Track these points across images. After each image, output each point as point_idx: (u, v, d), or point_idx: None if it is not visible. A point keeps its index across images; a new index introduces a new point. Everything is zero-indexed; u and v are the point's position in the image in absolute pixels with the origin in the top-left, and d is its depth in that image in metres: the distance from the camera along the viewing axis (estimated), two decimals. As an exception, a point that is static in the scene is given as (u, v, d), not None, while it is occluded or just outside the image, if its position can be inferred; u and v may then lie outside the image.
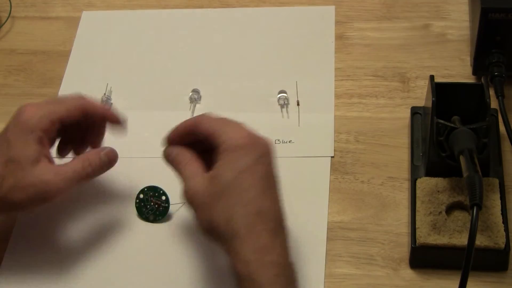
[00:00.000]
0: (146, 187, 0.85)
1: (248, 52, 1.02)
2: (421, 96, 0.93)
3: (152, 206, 0.85)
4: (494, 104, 0.86)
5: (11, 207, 0.76)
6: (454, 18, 1.03)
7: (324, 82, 0.98)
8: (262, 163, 0.72)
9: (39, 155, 0.76)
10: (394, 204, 0.86)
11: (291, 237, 0.83)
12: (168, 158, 0.78)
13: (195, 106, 0.97)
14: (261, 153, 0.73)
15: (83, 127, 0.83)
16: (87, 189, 0.88)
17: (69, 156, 0.85)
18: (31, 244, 0.86)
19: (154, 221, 0.85)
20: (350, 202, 0.87)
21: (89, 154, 0.79)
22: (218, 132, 0.74)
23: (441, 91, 0.82)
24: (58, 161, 0.83)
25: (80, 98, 0.81)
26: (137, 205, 0.86)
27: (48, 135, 0.78)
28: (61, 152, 0.85)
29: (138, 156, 0.91)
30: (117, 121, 0.83)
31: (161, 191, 0.85)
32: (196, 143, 0.77)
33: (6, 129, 0.78)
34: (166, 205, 0.85)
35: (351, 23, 1.04)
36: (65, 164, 0.78)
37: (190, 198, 0.73)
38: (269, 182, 0.72)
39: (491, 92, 0.86)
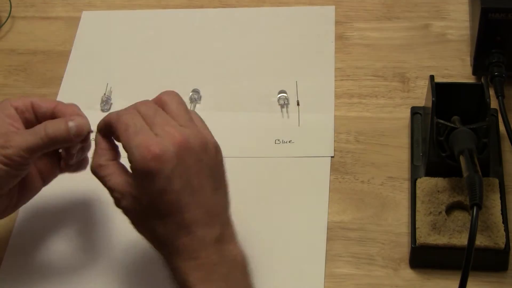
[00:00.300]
0: None
1: (248, 52, 1.02)
2: (421, 96, 0.93)
3: None
4: (494, 104, 0.86)
5: None
6: (454, 18, 1.03)
7: (324, 82, 0.98)
8: (165, 177, 0.69)
9: (7, 123, 0.75)
10: (394, 204, 0.86)
11: (292, 237, 0.83)
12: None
13: (195, 106, 0.97)
14: (161, 168, 0.68)
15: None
16: (87, 189, 0.88)
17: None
18: (31, 244, 0.86)
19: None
20: (350, 202, 0.87)
21: (56, 119, 0.76)
22: (126, 148, 0.69)
23: (441, 91, 0.82)
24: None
25: (57, 100, 0.79)
26: None
27: (21, 113, 0.76)
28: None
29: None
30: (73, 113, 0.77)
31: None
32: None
33: None
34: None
35: (351, 23, 1.04)
36: (29, 129, 0.75)
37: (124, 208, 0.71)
38: (184, 189, 0.70)
39: (491, 92, 0.86)
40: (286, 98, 0.96)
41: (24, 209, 0.88)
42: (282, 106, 0.95)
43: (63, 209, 0.87)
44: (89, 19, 1.08)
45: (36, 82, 1.02)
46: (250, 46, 1.03)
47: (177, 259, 0.69)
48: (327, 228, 0.84)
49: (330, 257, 0.82)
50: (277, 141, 0.92)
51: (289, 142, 0.92)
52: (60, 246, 0.85)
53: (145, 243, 0.84)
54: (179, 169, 0.67)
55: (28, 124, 0.77)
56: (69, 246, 0.85)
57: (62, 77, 1.02)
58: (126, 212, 0.71)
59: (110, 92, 0.98)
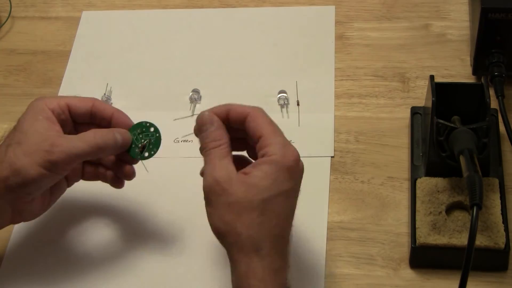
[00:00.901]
0: (130, 128, 0.80)
1: (248, 52, 1.02)
2: (421, 96, 0.93)
3: (142, 143, 0.79)
4: (494, 104, 0.86)
5: (21, 178, 0.73)
6: (454, 18, 1.03)
7: (324, 82, 0.98)
8: (297, 190, 0.72)
9: (48, 127, 0.75)
10: (394, 204, 0.86)
11: (292, 237, 0.83)
12: (203, 125, 0.73)
13: (195, 106, 0.97)
14: (299, 180, 0.72)
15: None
16: (88, 188, 0.88)
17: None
18: (31, 244, 0.86)
19: (149, 156, 0.79)
20: (350, 202, 0.87)
21: (103, 129, 0.77)
22: (269, 140, 0.71)
23: (441, 91, 0.82)
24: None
25: (93, 98, 0.80)
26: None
27: (58, 116, 0.76)
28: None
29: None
30: (124, 123, 0.79)
31: (147, 124, 0.79)
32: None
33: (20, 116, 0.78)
34: (157, 134, 0.79)
35: (351, 23, 1.04)
36: (77, 135, 0.76)
37: (214, 185, 0.69)
38: (294, 208, 0.72)
39: (491, 92, 0.86)
40: (286, 98, 0.96)
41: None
42: (282, 106, 0.95)
43: (63, 209, 0.87)
44: (89, 19, 1.08)
45: (36, 82, 1.02)
46: (250, 46, 1.03)
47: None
48: (327, 228, 0.84)
49: (330, 257, 0.82)
50: (277, 141, 0.92)
51: (289, 142, 0.92)
52: (59, 246, 0.85)
53: (145, 243, 0.84)
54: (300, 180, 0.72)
55: (64, 125, 0.77)
56: (69, 246, 0.85)
57: (62, 77, 1.02)
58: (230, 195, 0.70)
59: (110, 92, 0.98)
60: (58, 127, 0.76)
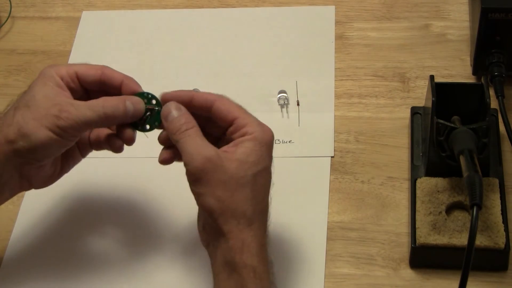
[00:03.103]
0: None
1: (248, 52, 1.02)
2: (421, 96, 0.93)
3: (146, 113, 0.78)
4: (494, 104, 0.86)
5: (28, 141, 0.72)
6: (454, 18, 1.03)
7: (324, 82, 0.98)
8: (273, 165, 0.74)
9: (57, 93, 0.74)
10: (394, 204, 0.86)
11: (292, 237, 0.83)
12: (171, 111, 0.74)
13: (195, 106, 0.97)
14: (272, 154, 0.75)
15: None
16: (88, 188, 0.89)
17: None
18: (31, 244, 0.86)
19: (151, 129, 0.78)
20: (350, 202, 0.87)
21: (114, 97, 0.75)
22: (246, 120, 0.73)
23: (441, 91, 0.82)
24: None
25: (102, 65, 0.79)
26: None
27: (67, 84, 0.76)
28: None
29: (140, 157, 0.91)
30: (133, 90, 0.77)
31: (149, 95, 0.78)
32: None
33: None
34: (159, 108, 0.77)
35: (351, 23, 1.04)
36: (86, 102, 0.74)
37: (206, 162, 0.70)
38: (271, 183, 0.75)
39: (491, 92, 0.86)
40: (286, 98, 0.96)
41: (24, 209, 0.88)
42: (282, 106, 0.95)
43: (63, 209, 0.87)
44: (89, 19, 1.08)
45: (36, 82, 1.02)
46: (250, 46, 1.03)
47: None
48: (327, 228, 0.84)
49: (330, 257, 0.82)
50: (277, 141, 0.92)
51: (289, 142, 0.92)
52: (59, 246, 0.85)
53: (145, 242, 0.84)
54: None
55: (74, 92, 0.76)
56: (69, 246, 0.85)
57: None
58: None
59: (110, 92, 0.98)
60: (67, 93, 0.75)
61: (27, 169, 0.75)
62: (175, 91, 0.76)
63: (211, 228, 0.72)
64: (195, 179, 0.71)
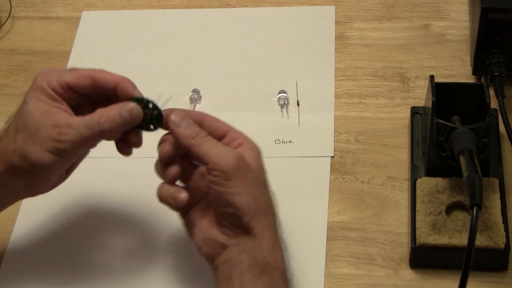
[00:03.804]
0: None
1: (248, 52, 1.02)
2: (421, 96, 0.93)
3: (146, 115, 0.76)
4: (494, 104, 0.86)
5: (30, 164, 0.73)
6: (454, 18, 1.03)
7: (324, 82, 0.98)
8: None
9: (53, 108, 0.74)
10: (394, 204, 0.86)
11: (292, 237, 0.83)
12: (184, 118, 0.74)
13: (195, 106, 0.97)
14: None
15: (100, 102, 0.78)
16: (88, 188, 0.89)
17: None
18: (31, 244, 0.86)
19: (155, 128, 0.77)
20: (350, 202, 0.87)
21: (109, 108, 0.74)
22: (236, 132, 0.76)
23: (441, 91, 0.82)
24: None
25: (95, 69, 0.77)
26: None
27: (61, 95, 0.75)
28: None
29: (140, 157, 0.91)
30: (128, 95, 0.75)
31: (145, 100, 0.76)
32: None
33: (26, 92, 0.77)
34: (158, 111, 0.76)
35: (351, 23, 1.04)
36: (82, 117, 0.74)
37: (240, 160, 0.72)
38: None
39: (491, 92, 0.86)
40: (286, 98, 0.96)
41: (24, 209, 0.88)
42: (282, 106, 0.95)
43: (63, 209, 0.87)
44: (89, 19, 1.08)
45: (36, 82, 1.02)
46: (250, 46, 1.03)
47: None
48: (327, 228, 0.84)
49: (330, 257, 0.82)
50: (277, 141, 0.92)
51: (289, 142, 0.92)
52: (59, 246, 0.85)
53: (145, 242, 0.84)
54: None
55: (71, 101, 0.76)
56: (69, 246, 0.85)
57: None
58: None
59: (110, 92, 0.98)
60: (63, 105, 0.75)
61: (34, 185, 0.76)
62: (170, 111, 0.76)
63: (239, 229, 0.71)
64: (227, 177, 0.70)
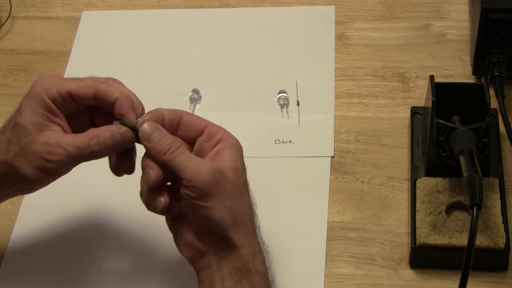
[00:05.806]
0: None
1: (248, 52, 1.02)
2: (421, 96, 0.93)
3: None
4: (494, 104, 0.86)
5: (19, 177, 0.73)
6: (454, 18, 1.03)
7: (324, 82, 0.98)
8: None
9: (47, 122, 0.73)
10: (394, 204, 0.86)
11: (292, 237, 0.83)
12: (153, 131, 0.72)
13: (195, 106, 0.97)
14: None
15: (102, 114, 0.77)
16: (88, 186, 0.88)
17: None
18: (31, 244, 0.86)
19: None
20: (350, 202, 0.87)
21: (102, 129, 0.72)
22: (215, 127, 0.74)
23: (441, 91, 0.82)
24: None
25: (100, 79, 0.76)
26: None
27: (59, 106, 0.74)
28: None
29: (139, 157, 0.91)
30: (123, 110, 0.73)
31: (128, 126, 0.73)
32: None
33: (23, 97, 0.76)
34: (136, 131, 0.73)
35: (351, 23, 1.04)
36: (74, 136, 0.73)
37: (214, 174, 0.69)
38: None
39: (491, 92, 0.86)
40: (286, 98, 0.96)
41: (24, 209, 0.88)
42: (282, 106, 0.95)
43: (63, 209, 0.87)
44: (89, 19, 1.08)
45: (36, 82, 1.02)
46: (250, 46, 1.03)
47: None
48: (327, 228, 0.84)
49: (330, 257, 0.82)
50: (277, 141, 0.92)
51: (289, 142, 0.92)
52: (59, 246, 0.85)
53: (146, 242, 0.84)
54: None
55: (68, 110, 0.75)
56: (69, 246, 0.85)
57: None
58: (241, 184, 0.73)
59: (110, 92, 0.98)
60: (59, 119, 0.74)
61: (24, 190, 0.78)
62: (144, 116, 0.74)
63: (216, 239, 0.71)
64: (204, 193, 0.69)
